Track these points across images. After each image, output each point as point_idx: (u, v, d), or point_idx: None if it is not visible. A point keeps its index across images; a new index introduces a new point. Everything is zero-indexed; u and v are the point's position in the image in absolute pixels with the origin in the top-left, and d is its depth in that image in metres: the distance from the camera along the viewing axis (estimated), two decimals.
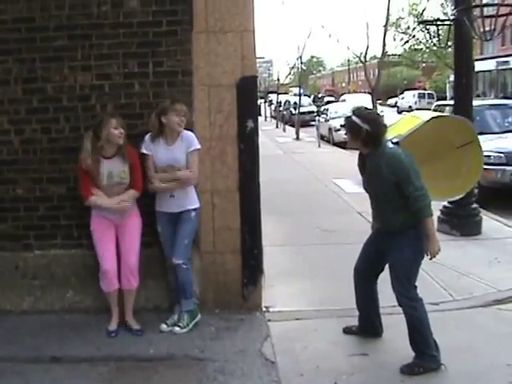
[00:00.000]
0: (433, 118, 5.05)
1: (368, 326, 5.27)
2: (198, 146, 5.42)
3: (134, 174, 5.28)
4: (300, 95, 33.63)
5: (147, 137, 5.39)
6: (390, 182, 4.56)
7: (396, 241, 4.67)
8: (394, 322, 5.11)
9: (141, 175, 5.33)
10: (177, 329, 5.46)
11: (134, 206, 5.39)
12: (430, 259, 4.64)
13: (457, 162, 5.11)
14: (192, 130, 5.52)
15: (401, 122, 5.30)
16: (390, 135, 4.81)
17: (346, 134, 5.01)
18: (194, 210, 5.48)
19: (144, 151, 5.37)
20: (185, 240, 5.43)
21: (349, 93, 59.93)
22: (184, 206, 5.43)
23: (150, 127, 5.39)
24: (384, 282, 5.04)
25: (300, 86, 37.44)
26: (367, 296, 5.19)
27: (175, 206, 5.41)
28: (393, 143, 4.71)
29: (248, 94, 5.74)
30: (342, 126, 5.38)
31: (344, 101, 28.84)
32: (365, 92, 46.32)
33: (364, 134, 4.62)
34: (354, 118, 4.71)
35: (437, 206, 8.27)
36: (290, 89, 50.11)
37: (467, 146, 5.10)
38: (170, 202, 5.39)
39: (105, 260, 5.34)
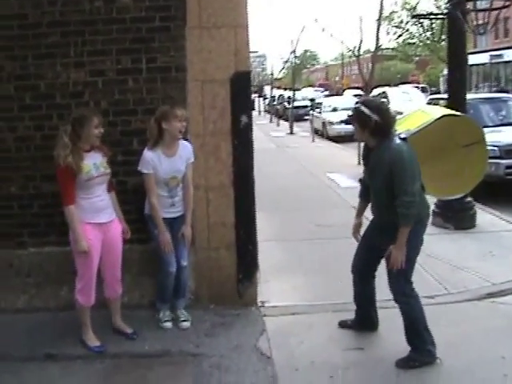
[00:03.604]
0: (444, 115, 4.97)
1: (365, 320, 5.29)
2: (193, 159, 5.47)
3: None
4: (295, 92, 33.52)
5: (147, 154, 5.20)
6: (389, 177, 4.48)
7: (390, 238, 4.60)
8: (389, 316, 5.11)
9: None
10: (186, 323, 5.49)
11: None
12: (388, 266, 4.64)
13: (461, 161, 4.99)
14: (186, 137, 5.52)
15: (410, 116, 5.21)
16: (399, 129, 4.74)
17: (353, 124, 4.88)
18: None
19: (145, 171, 5.20)
20: (187, 242, 5.48)
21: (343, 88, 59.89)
22: (181, 211, 5.45)
23: (148, 133, 5.30)
24: (379, 276, 5.07)
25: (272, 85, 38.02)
26: (366, 293, 5.21)
27: (174, 212, 5.41)
28: (400, 138, 4.59)
29: (242, 89, 5.72)
30: (349, 116, 5.31)
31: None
32: (357, 88, 46.46)
33: (373, 124, 4.54)
34: (362, 107, 4.62)
35: (431, 199, 8.29)
36: (265, 87, 49.86)
37: (473, 145, 5.02)
38: (170, 209, 5.37)
39: (92, 274, 5.03)
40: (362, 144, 5.18)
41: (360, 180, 5.29)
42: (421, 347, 4.68)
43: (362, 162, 5.07)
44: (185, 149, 5.38)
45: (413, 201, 4.42)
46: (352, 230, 5.24)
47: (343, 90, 55.87)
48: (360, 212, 5.26)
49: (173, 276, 5.40)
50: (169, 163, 5.24)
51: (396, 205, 4.45)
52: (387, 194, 4.57)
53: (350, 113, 5.02)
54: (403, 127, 4.82)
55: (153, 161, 5.19)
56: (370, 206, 5.03)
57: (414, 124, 4.85)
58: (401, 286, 4.70)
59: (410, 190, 4.42)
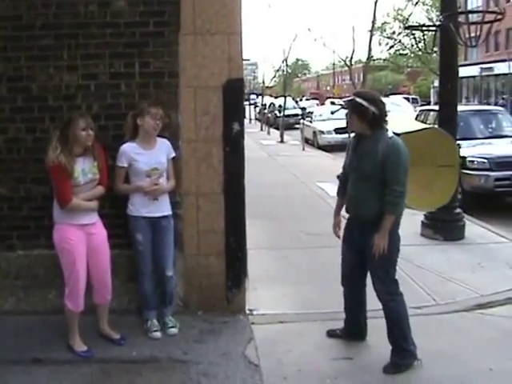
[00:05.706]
0: (433, 128, 5.10)
1: (354, 329, 5.28)
2: (174, 154, 5.50)
3: (101, 171, 5.09)
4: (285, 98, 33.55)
5: (122, 147, 5.26)
6: (380, 167, 4.57)
7: (369, 237, 4.67)
8: (378, 326, 5.09)
9: (107, 173, 5.19)
10: (173, 330, 5.45)
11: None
12: (370, 251, 4.65)
13: (432, 179, 5.17)
14: (172, 136, 5.55)
15: (399, 119, 5.34)
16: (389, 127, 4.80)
17: (349, 115, 4.92)
18: (171, 215, 5.48)
19: (118, 164, 5.26)
20: (171, 250, 5.46)
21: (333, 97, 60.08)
22: (165, 211, 5.40)
23: (125, 128, 5.35)
24: (367, 286, 5.07)
25: (260, 94, 38.08)
26: (356, 301, 5.20)
27: (157, 211, 5.35)
28: (394, 133, 4.70)
29: (234, 96, 5.72)
30: (344, 106, 5.15)
31: None
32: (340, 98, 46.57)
33: (370, 115, 4.62)
34: (358, 99, 4.69)
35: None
36: (252, 96, 50.98)
37: (448, 168, 5.16)
38: (152, 207, 5.30)
39: (81, 279, 4.98)
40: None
41: (338, 176, 5.34)
42: (403, 346, 4.73)
43: (347, 151, 5.06)
44: (163, 143, 5.41)
45: (403, 191, 4.58)
46: (333, 228, 5.33)
47: (325, 100, 56.27)
48: (338, 209, 5.32)
49: (149, 277, 5.40)
50: (147, 155, 5.26)
51: (386, 193, 4.57)
52: (372, 184, 4.66)
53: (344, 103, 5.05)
54: (395, 125, 4.90)
55: (127, 154, 5.24)
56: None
57: (405, 126, 4.95)
58: (384, 285, 4.77)
59: (403, 181, 4.57)
